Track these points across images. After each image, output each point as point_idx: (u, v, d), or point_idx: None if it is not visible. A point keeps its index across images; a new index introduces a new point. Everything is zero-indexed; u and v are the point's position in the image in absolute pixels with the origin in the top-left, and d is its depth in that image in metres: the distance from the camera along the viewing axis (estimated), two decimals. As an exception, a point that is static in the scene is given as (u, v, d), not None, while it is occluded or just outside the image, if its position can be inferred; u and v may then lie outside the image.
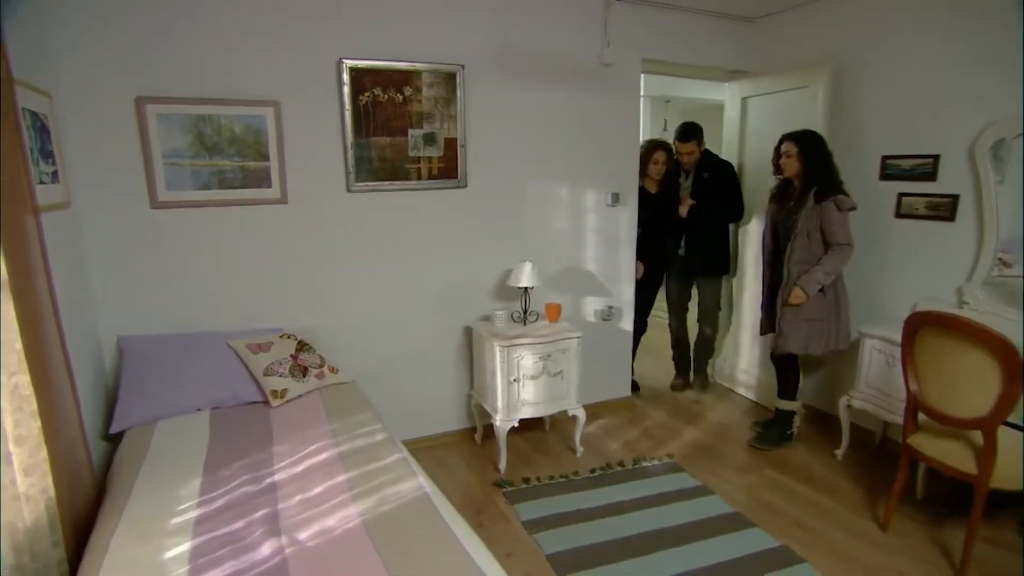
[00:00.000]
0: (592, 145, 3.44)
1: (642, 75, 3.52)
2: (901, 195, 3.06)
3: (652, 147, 3.72)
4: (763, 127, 3.69)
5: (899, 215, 3.08)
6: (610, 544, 2.39)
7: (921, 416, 2.40)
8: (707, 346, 4.13)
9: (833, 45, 3.33)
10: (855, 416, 3.11)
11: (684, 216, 3.74)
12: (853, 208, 2.84)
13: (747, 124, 3.86)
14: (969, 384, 2.13)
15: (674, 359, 4.24)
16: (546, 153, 3.34)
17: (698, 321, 4.04)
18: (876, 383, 2.91)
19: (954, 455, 2.23)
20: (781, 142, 3.01)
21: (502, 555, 2.22)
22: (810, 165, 2.91)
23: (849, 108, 3.26)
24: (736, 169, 3.84)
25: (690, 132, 3.71)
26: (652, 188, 3.79)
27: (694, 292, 4.06)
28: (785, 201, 3.06)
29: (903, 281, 3.10)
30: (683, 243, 3.88)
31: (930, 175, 2.92)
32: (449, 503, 1.74)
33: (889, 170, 3.11)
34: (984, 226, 2.73)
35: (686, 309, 4.11)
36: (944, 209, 2.89)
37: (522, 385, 2.95)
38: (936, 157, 2.89)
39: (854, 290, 3.15)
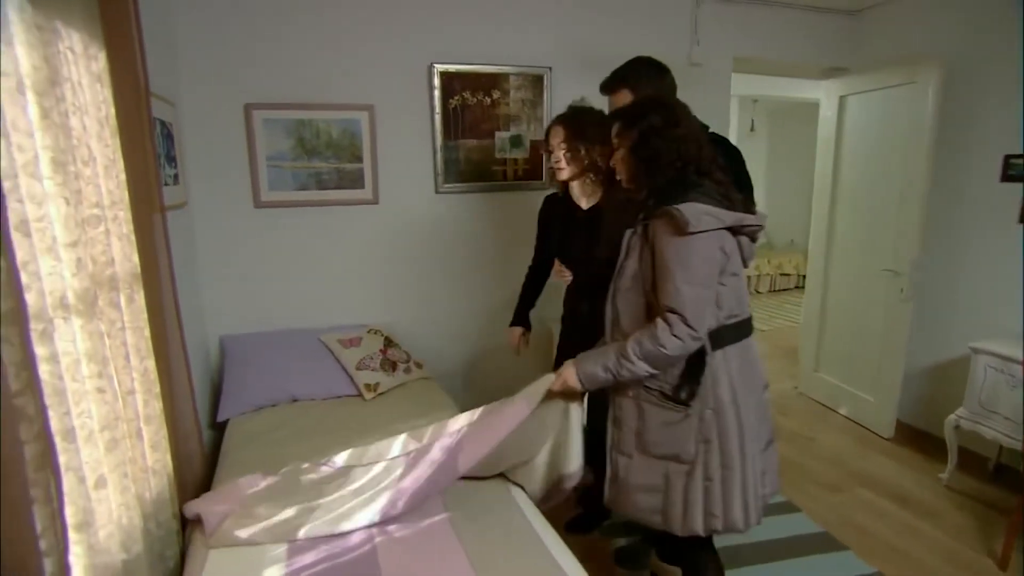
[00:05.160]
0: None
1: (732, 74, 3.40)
2: (1027, 198, 2.79)
3: (550, 125, 2.08)
4: (863, 128, 3.47)
5: None
6: (690, 556, 2.33)
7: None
8: None
9: (945, 38, 3.08)
10: (964, 439, 2.86)
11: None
12: None
13: (844, 125, 3.62)
14: (1106, 410, 1.93)
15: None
16: (630, 155, 3.29)
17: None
18: (991, 403, 2.67)
19: (1085, 488, 2.02)
20: None
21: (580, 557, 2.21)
22: None
23: (964, 104, 3.00)
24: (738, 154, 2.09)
25: (616, 77, 1.99)
26: (585, 199, 2.10)
27: None
28: None
29: (1025, 294, 2.82)
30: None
31: (1062, 177, 2.66)
32: (531, 502, 1.76)
33: (1013, 170, 2.84)
34: None
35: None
36: (1078, 215, 2.61)
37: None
38: (1070, 157, 2.62)
39: (967, 301, 2.88)
